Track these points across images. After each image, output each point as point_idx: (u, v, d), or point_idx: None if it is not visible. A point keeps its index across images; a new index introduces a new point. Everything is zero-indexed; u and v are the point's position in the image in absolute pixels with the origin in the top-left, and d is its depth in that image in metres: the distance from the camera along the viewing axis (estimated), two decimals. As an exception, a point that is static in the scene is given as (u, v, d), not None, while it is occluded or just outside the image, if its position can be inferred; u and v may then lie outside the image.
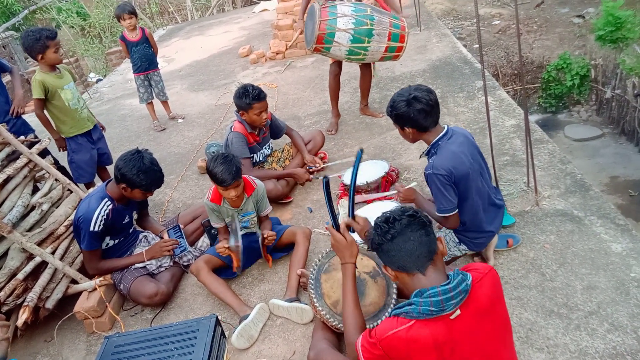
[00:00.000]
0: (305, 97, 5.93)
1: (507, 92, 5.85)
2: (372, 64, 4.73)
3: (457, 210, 2.52)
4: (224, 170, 2.81)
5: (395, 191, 3.00)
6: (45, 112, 3.92)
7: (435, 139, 2.55)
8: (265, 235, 3.04)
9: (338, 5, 4.00)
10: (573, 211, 3.04)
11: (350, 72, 5.78)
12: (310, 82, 6.38)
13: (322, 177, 2.21)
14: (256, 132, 3.80)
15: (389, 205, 3.21)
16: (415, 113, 2.47)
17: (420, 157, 2.78)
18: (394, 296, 2.39)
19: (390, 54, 4.16)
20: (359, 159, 2.24)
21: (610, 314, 2.35)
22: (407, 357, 1.58)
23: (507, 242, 2.83)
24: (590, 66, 9.45)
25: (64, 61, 4.44)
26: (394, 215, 1.70)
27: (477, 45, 2.95)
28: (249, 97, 3.54)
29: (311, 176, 3.88)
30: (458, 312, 1.56)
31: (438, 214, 2.55)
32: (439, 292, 1.54)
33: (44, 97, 3.80)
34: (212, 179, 2.93)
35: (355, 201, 3.58)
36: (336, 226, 2.17)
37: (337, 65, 4.59)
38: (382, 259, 1.75)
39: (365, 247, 2.64)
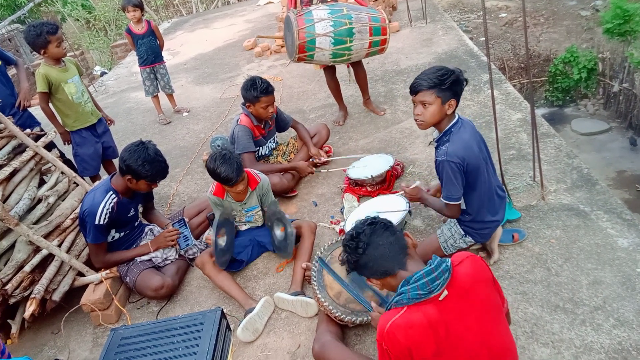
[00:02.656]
0: (310, 91, 5.92)
1: (514, 86, 5.80)
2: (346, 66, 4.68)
3: (461, 200, 2.52)
4: (227, 169, 2.82)
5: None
6: (50, 105, 3.93)
7: (449, 126, 2.51)
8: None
9: (313, 10, 3.96)
10: (579, 206, 3.03)
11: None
12: (315, 75, 6.35)
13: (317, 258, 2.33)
14: (262, 125, 3.80)
15: (394, 199, 3.21)
16: (462, 85, 2.43)
17: (429, 144, 2.75)
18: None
19: (375, 49, 4.12)
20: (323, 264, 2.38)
21: (616, 309, 2.34)
22: (407, 348, 1.60)
23: (513, 236, 2.82)
24: (597, 59, 9.38)
25: (68, 54, 4.44)
26: (356, 230, 1.77)
27: (484, 38, 2.92)
28: (257, 90, 3.53)
29: (314, 169, 3.87)
30: (445, 292, 1.61)
31: (443, 200, 2.55)
32: (423, 275, 1.61)
33: (47, 91, 3.81)
34: (216, 179, 2.93)
35: (356, 194, 3.59)
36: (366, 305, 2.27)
37: (330, 67, 4.54)
38: (364, 274, 1.80)
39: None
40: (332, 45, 3.93)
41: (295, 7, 4.23)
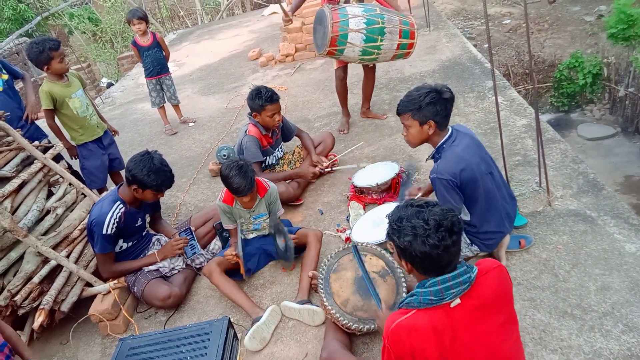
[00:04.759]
0: (314, 99, 5.95)
1: (519, 92, 5.81)
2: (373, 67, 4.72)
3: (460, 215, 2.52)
4: (240, 181, 2.87)
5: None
6: (57, 120, 3.96)
7: (441, 142, 2.54)
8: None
9: (347, 7, 4.01)
10: (586, 211, 3.02)
11: (359, 73, 5.78)
12: (319, 84, 6.39)
13: (351, 245, 2.27)
14: (270, 134, 3.83)
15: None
16: (443, 103, 2.44)
17: (426, 160, 2.77)
18: (404, 294, 2.40)
19: (402, 52, 4.14)
20: (356, 252, 2.35)
21: (624, 314, 2.33)
22: (410, 350, 1.60)
23: (520, 242, 2.81)
24: (602, 64, 9.36)
25: (75, 67, 4.49)
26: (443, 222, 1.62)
27: (487, 45, 2.93)
28: (262, 99, 3.57)
29: (317, 170, 3.87)
30: (458, 301, 1.60)
31: None
32: (438, 282, 1.59)
33: (52, 107, 3.84)
34: (227, 187, 2.97)
35: (364, 201, 3.59)
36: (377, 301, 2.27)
37: (342, 69, 4.58)
38: (412, 259, 1.68)
39: (375, 246, 2.65)
40: (363, 42, 3.94)
41: (327, 2, 4.27)
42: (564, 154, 3.62)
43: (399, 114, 2.58)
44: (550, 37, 10.69)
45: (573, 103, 9.89)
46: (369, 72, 4.67)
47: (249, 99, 3.65)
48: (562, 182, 3.31)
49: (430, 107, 2.44)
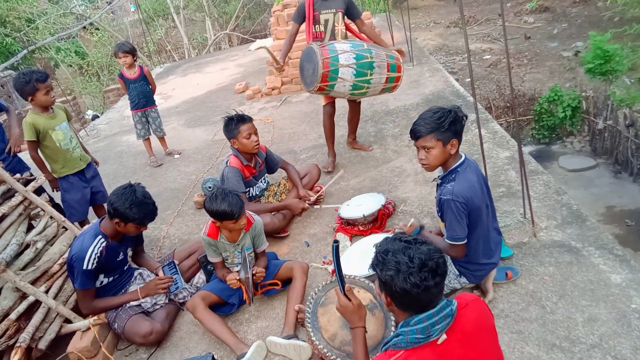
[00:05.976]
0: (301, 132, 5.99)
1: (500, 125, 5.91)
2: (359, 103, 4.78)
3: (466, 240, 2.50)
4: (230, 204, 2.82)
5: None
6: (39, 152, 3.92)
7: (455, 165, 2.53)
8: (254, 272, 2.99)
9: (335, 43, 4.09)
10: (571, 242, 3.04)
11: (345, 106, 5.85)
12: (305, 116, 6.45)
13: (333, 242, 2.16)
14: (252, 165, 3.81)
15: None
16: (460, 122, 2.44)
17: (433, 180, 2.74)
18: (392, 329, 2.35)
19: (390, 85, 4.21)
20: (335, 252, 2.23)
21: (612, 346, 2.32)
22: None
23: (506, 274, 2.80)
24: (581, 98, 9.60)
25: (60, 99, 4.46)
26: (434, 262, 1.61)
27: (469, 79, 3.00)
28: (233, 122, 3.60)
29: (306, 205, 3.85)
30: (444, 336, 1.57)
31: (448, 241, 2.52)
32: (424, 319, 1.57)
33: (35, 139, 3.80)
34: (218, 218, 2.90)
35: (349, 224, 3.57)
36: (342, 289, 2.14)
37: (331, 105, 4.61)
38: (395, 296, 1.66)
39: (363, 279, 2.61)
40: (354, 77, 3.99)
41: (313, 40, 4.34)
42: (547, 186, 3.66)
43: (419, 137, 2.48)
44: (529, 71, 10.97)
45: (554, 135, 10.08)
46: (355, 106, 4.74)
47: (223, 129, 3.68)
48: (546, 213, 3.34)
49: (452, 126, 2.43)
